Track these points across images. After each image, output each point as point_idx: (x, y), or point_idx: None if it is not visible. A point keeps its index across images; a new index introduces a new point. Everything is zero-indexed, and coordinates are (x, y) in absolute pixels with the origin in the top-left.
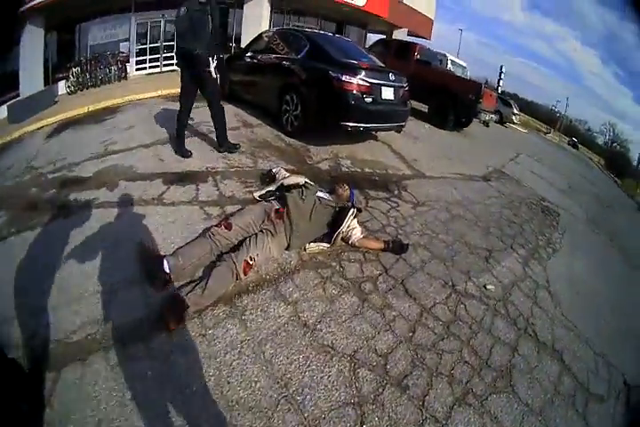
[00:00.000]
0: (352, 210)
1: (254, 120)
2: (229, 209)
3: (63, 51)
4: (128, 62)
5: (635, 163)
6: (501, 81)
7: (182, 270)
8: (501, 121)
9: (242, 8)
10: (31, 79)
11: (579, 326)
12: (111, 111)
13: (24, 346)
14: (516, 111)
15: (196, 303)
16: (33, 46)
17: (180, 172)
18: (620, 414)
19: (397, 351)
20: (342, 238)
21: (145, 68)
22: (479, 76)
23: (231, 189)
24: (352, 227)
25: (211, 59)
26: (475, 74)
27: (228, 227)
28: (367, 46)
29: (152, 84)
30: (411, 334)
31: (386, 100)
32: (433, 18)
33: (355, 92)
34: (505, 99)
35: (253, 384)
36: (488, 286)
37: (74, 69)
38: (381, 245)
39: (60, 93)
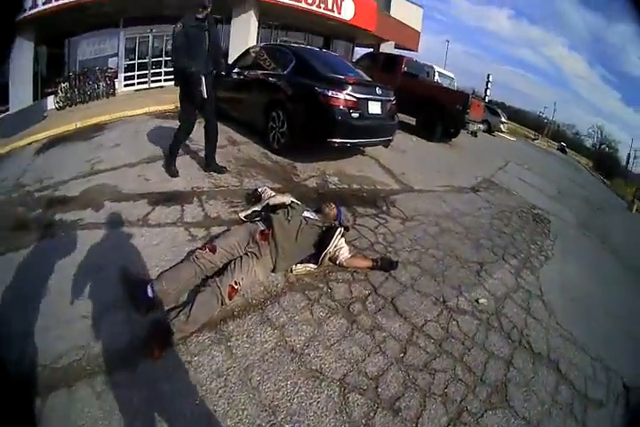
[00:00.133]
0: (339, 229)
1: (241, 138)
2: (215, 230)
3: (53, 65)
4: (116, 78)
5: (623, 163)
6: (489, 90)
7: (167, 295)
8: (489, 130)
9: (229, 23)
10: (21, 93)
11: (574, 333)
12: (99, 128)
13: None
14: (503, 120)
15: (181, 330)
16: (22, 60)
17: (165, 192)
18: (620, 416)
19: (388, 373)
20: (330, 258)
21: (133, 84)
22: (467, 87)
23: (217, 210)
24: (339, 246)
25: (203, 78)
26: (462, 84)
27: (213, 250)
28: (354, 60)
29: (140, 100)
30: (402, 355)
31: (373, 114)
32: (420, 30)
33: (341, 107)
34: (492, 108)
35: (240, 413)
36: (480, 300)
37: (63, 85)
38: (370, 264)
39: (49, 108)
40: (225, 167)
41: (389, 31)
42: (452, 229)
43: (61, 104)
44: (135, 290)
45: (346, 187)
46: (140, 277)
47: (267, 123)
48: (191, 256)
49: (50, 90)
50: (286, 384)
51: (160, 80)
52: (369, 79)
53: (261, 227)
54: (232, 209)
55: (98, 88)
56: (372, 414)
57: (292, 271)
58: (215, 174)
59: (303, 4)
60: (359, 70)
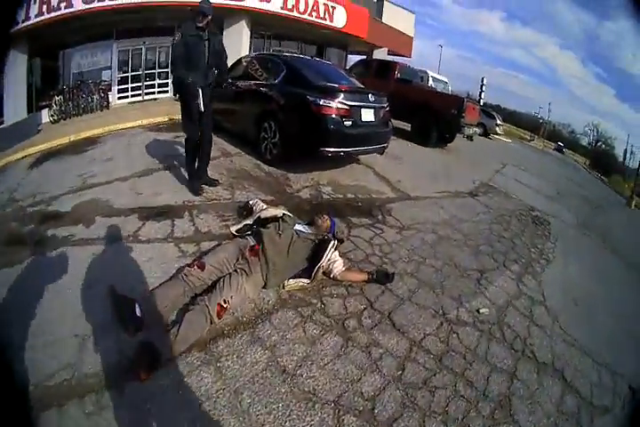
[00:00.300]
0: (332, 242)
1: (233, 149)
2: (205, 245)
3: (47, 78)
4: (110, 91)
5: (620, 159)
6: (483, 93)
7: (155, 314)
8: (485, 133)
9: (221, 34)
10: (15, 106)
11: (579, 339)
12: (92, 142)
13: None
14: (499, 122)
15: (169, 350)
16: (16, 73)
17: (156, 206)
18: (628, 419)
19: (385, 393)
20: (323, 272)
21: (127, 97)
22: (461, 90)
23: (207, 224)
24: (333, 260)
25: (200, 90)
26: (457, 88)
27: (201, 267)
28: (348, 68)
29: (133, 113)
30: (399, 373)
31: (366, 122)
32: (412, 35)
33: (333, 115)
34: (487, 111)
35: None
36: (481, 310)
37: (57, 98)
38: (365, 277)
39: (43, 122)
40: (217, 180)
41: (382, 38)
42: (450, 236)
43: (56, 117)
44: (123, 309)
45: (340, 197)
46: (129, 296)
47: (258, 133)
48: (180, 274)
49: (44, 103)
50: (278, 407)
51: (154, 92)
52: (361, 86)
53: (251, 242)
54: (223, 223)
55: (92, 101)
56: None
57: (284, 287)
58: (207, 187)
59: (295, 13)
60: (351, 78)
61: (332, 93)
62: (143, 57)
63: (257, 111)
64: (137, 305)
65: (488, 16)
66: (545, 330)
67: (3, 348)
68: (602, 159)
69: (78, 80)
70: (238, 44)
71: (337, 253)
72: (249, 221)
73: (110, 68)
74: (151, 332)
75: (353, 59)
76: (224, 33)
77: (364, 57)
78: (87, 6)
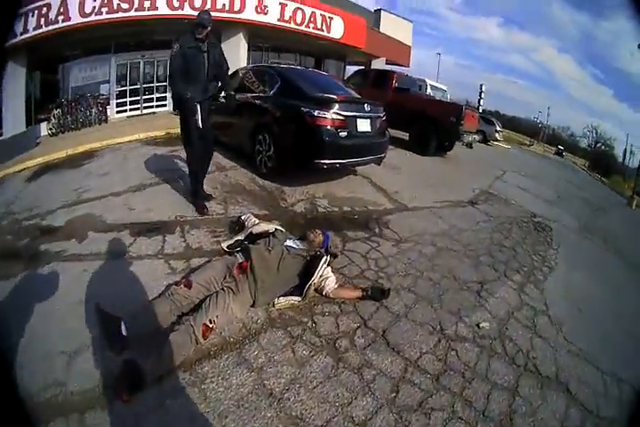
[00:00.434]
0: (324, 258)
1: (229, 163)
2: (195, 262)
3: (46, 91)
4: (108, 105)
5: (620, 159)
6: (482, 100)
7: (141, 333)
8: (485, 140)
9: (220, 44)
10: (14, 119)
11: (584, 348)
12: (89, 156)
13: None
14: (498, 128)
15: (154, 371)
16: (15, 85)
17: (148, 222)
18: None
19: (378, 417)
20: (315, 289)
21: (125, 111)
22: (460, 98)
23: (198, 240)
24: (325, 276)
25: (199, 106)
26: (456, 96)
27: (188, 285)
28: (346, 78)
29: (131, 127)
30: (393, 395)
31: (362, 132)
32: (410, 45)
33: (328, 127)
34: (487, 117)
35: None
36: (481, 325)
37: (55, 111)
38: (359, 294)
39: (42, 135)
40: (211, 195)
41: (380, 47)
42: (449, 247)
43: (54, 131)
44: (109, 327)
45: (336, 210)
46: (115, 314)
47: (253, 146)
48: (167, 292)
49: (43, 116)
50: None
51: (152, 106)
52: (357, 96)
53: (240, 259)
54: (215, 239)
55: (90, 115)
56: None
57: (274, 305)
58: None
59: (292, 25)
60: (347, 88)
61: (326, 104)
62: (141, 71)
63: (252, 124)
64: (123, 323)
65: (485, 22)
66: (548, 341)
67: None
68: (601, 160)
69: (77, 94)
70: (236, 56)
71: (329, 269)
72: (241, 237)
73: (108, 81)
74: (137, 351)
75: (351, 70)
76: (221, 45)
77: (363, 67)
78: (85, 20)
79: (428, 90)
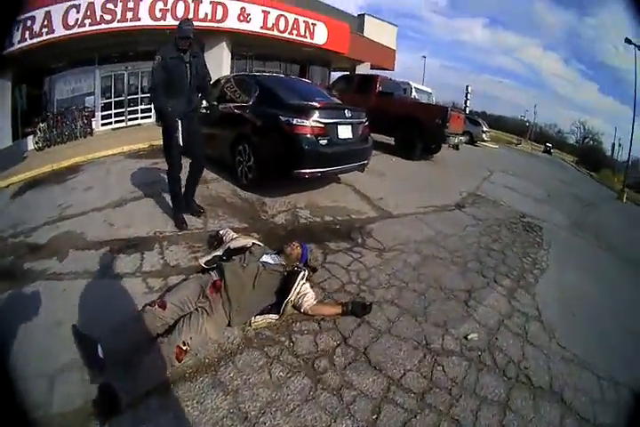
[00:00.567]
0: (302, 273)
1: (211, 175)
2: (173, 280)
3: (32, 104)
4: (93, 117)
5: (608, 153)
6: (468, 101)
7: (118, 355)
8: (472, 141)
9: (203, 53)
10: (0, 133)
11: (578, 353)
12: (73, 170)
13: None
14: (485, 129)
15: (128, 394)
16: (1, 99)
17: (127, 238)
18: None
19: None
20: (294, 306)
21: (110, 123)
22: (447, 100)
23: (176, 257)
24: (303, 293)
25: (180, 122)
26: (443, 98)
27: (163, 306)
28: (329, 84)
29: (116, 140)
30: (375, 417)
31: (343, 139)
32: (395, 48)
33: (308, 135)
34: (473, 118)
35: None
36: (469, 336)
37: (41, 125)
38: (339, 310)
39: (29, 149)
40: (202, 209)
41: (364, 52)
42: (435, 255)
43: (40, 144)
44: (86, 350)
45: (318, 220)
46: (92, 336)
47: (234, 157)
48: (142, 312)
49: (29, 130)
50: None
51: (137, 118)
52: (338, 102)
53: (214, 277)
54: (193, 255)
55: (75, 128)
56: None
57: (250, 324)
58: (193, 218)
59: (275, 33)
60: (328, 94)
61: (305, 112)
62: (126, 82)
63: (232, 134)
64: (99, 346)
65: (470, 24)
66: (541, 349)
67: None
68: (590, 155)
69: (62, 107)
70: (219, 66)
71: (308, 284)
72: (219, 253)
73: (93, 94)
74: (115, 373)
75: (336, 76)
76: (204, 54)
77: (347, 73)
78: (68, 32)
79: (413, 93)
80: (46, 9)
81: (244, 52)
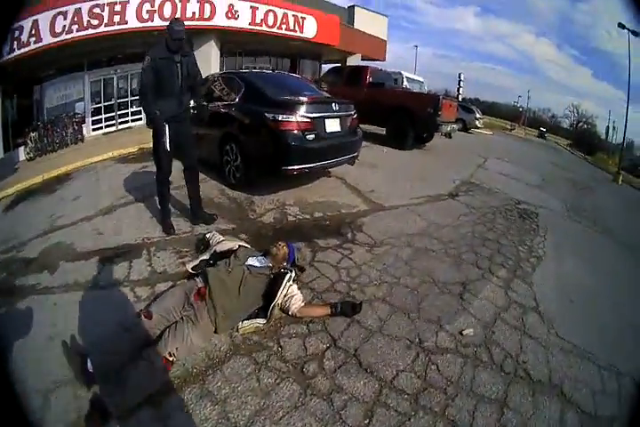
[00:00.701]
0: (288, 275)
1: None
2: (160, 288)
3: (22, 115)
4: (84, 123)
5: (603, 136)
6: (461, 89)
7: (106, 368)
8: (465, 128)
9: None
10: None
11: (578, 344)
12: (63, 179)
13: None
14: (478, 115)
15: (118, 407)
16: None
17: (115, 246)
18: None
19: None
20: (281, 309)
21: (101, 128)
22: (440, 88)
23: (163, 264)
24: (290, 295)
25: (167, 127)
26: (435, 87)
27: (148, 316)
28: (319, 77)
29: (106, 145)
30: (367, 421)
31: (331, 133)
32: (386, 39)
33: (294, 131)
34: (466, 105)
35: None
36: (465, 332)
37: (32, 135)
38: (327, 311)
39: (20, 160)
40: (215, 215)
41: (354, 44)
42: (428, 247)
43: (32, 155)
44: (76, 365)
45: (307, 217)
46: (81, 350)
47: (222, 157)
48: (129, 323)
49: (20, 140)
50: None
51: (127, 121)
52: (325, 96)
53: (199, 284)
54: (180, 260)
55: (66, 135)
56: None
57: (237, 330)
58: (205, 225)
59: (264, 28)
60: (315, 88)
61: (290, 107)
62: (115, 85)
63: (219, 134)
64: (89, 360)
65: (462, 12)
66: (539, 341)
67: None
68: (584, 139)
69: (52, 115)
70: (208, 64)
71: (295, 286)
72: (205, 257)
73: (83, 99)
74: (105, 386)
75: (327, 68)
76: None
77: (338, 65)
78: (56, 39)
79: (405, 82)
80: (34, 18)
81: (234, 48)
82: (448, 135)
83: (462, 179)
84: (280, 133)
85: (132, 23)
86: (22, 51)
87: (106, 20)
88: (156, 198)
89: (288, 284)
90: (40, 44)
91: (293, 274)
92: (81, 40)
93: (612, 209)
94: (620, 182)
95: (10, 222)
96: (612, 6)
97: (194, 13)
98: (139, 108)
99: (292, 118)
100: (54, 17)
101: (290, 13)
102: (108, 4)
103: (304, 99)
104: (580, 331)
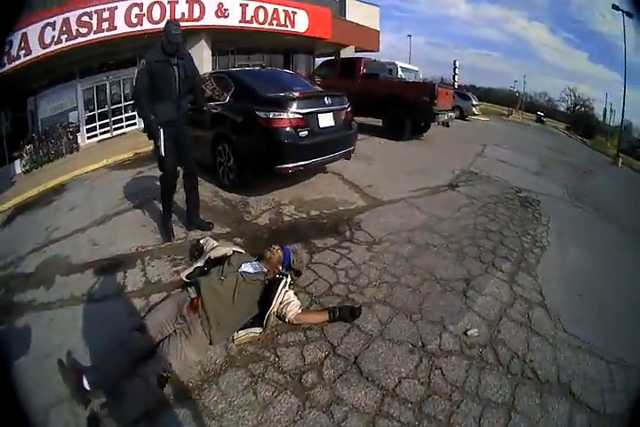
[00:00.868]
0: (283, 281)
1: None
2: (154, 299)
3: (16, 127)
4: (79, 132)
5: (600, 119)
6: (457, 76)
7: (103, 384)
8: (462, 115)
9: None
10: None
11: (585, 338)
12: (59, 190)
13: None
14: (475, 102)
15: (114, 425)
16: None
17: (110, 257)
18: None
19: None
20: (278, 316)
21: (96, 135)
22: (435, 76)
23: (158, 273)
24: (286, 301)
25: (162, 132)
26: (431, 75)
27: (142, 329)
28: (312, 71)
29: (101, 152)
30: None
31: (325, 128)
32: (379, 29)
33: (286, 128)
34: (462, 92)
35: None
36: (469, 332)
37: (27, 147)
38: (325, 317)
39: (17, 173)
40: (211, 223)
41: (347, 36)
42: (429, 242)
43: (28, 167)
44: (72, 381)
45: (303, 216)
46: (76, 367)
47: (215, 158)
48: (123, 338)
49: (16, 153)
50: None
51: (122, 127)
52: (318, 90)
53: (192, 294)
54: (174, 268)
55: (61, 145)
56: None
57: (233, 340)
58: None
59: (255, 25)
60: (308, 82)
61: (281, 104)
62: (108, 92)
63: (211, 135)
64: (84, 377)
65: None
66: (547, 338)
67: None
68: (582, 122)
69: (47, 126)
70: (200, 64)
71: (291, 292)
72: (200, 264)
73: (77, 108)
74: (101, 403)
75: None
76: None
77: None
78: (46, 50)
79: (399, 72)
80: (22, 31)
81: (225, 47)
82: (446, 124)
83: (462, 168)
84: (272, 131)
85: (122, 28)
86: (13, 64)
87: (95, 28)
88: (151, 204)
89: (284, 290)
90: (30, 57)
91: (289, 279)
92: (71, 49)
93: (613, 192)
94: (619, 165)
95: (7, 237)
96: None
97: (183, 14)
98: (133, 113)
99: (284, 115)
100: (43, 28)
101: (280, 9)
102: (96, 11)
103: (295, 94)
104: (588, 325)
